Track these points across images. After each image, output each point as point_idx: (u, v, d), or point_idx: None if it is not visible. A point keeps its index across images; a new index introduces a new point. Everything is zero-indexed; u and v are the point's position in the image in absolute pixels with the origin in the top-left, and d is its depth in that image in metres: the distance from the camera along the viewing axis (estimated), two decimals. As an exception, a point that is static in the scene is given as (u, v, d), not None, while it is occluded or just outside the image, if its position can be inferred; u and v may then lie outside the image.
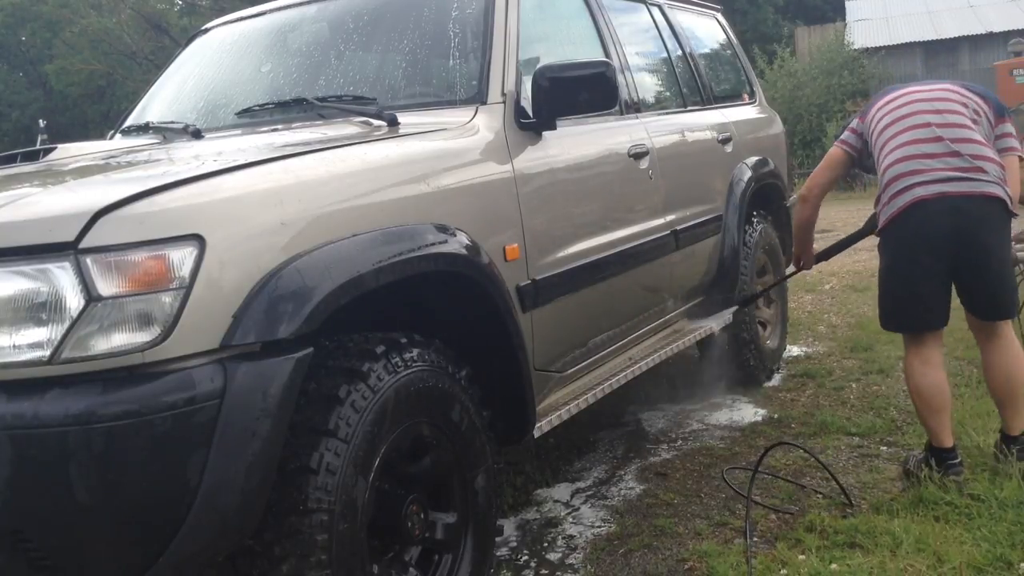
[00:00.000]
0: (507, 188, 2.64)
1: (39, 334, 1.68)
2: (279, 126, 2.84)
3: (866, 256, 8.19)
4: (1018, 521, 2.70)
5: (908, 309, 3.05)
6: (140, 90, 4.07)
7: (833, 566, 2.56)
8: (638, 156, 3.39)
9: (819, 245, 3.96)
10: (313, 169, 2.11)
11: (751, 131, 4.65)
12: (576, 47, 3.52)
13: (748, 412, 4.13)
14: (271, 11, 3.50)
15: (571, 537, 3.00)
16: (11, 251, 1.69)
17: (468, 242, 2.35)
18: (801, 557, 2.65)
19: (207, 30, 3.77)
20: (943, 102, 3.06)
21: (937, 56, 19.74)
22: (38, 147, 2.75)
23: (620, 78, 3.41)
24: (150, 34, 29.83)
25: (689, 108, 4.20)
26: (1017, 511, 2.77)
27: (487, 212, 2.55)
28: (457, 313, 2.48)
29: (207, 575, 1.99)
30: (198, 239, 1.76)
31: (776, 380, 4.61)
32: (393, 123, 2.59)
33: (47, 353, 1.67)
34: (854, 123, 3.35)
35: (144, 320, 1.70)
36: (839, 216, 10.44)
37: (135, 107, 3.59)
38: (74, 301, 1.67)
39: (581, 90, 2.71)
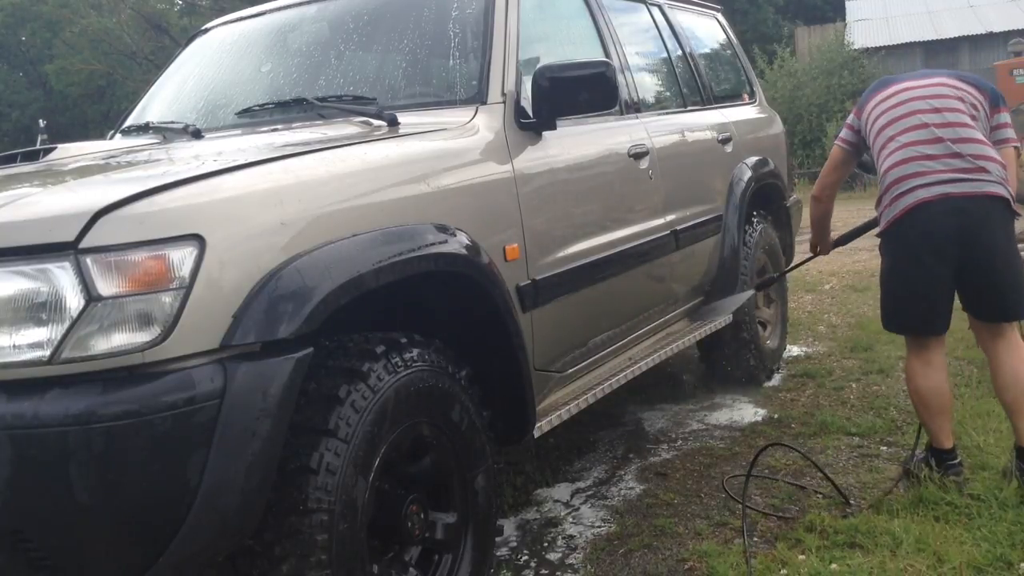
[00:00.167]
0: (507, 188, 2.64)
1: (39, 334, 1.68)
2: (279, 126, 2.84)
3: (866, 256, 8.19)
4: (1018, 521, 2.70)
5: (910, 311, 3.03)
6: (140, 90, 4.08)
7: (833, 566, 2.56)
8: (638, 156, 3.39)
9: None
10: (313, 169, 2.11)
11: (751, 131, 4.65)
12: (576, 47, 3.52)
13: (748, 412, 4.13)
14: (271, 11, 3.50)
15: (571, 537, 3.00)
16: (11, 251, 1.69)
17: (468, 242, 2.35)
18: (801, 557, 2.65)
19: (207, 30, 3.77)
20: (940, 99, 3.01)
21: (937, 56, 19.74)
22: (38, 147, 2.75)
23: (620, 78, 3.41)
24: (150, 34, 29.83)
25: (689, 108, 4.20)
26: (1017, 511, 2.77)
27: (487, 212, 2.55)
28: (457, 313, 2.48)
29: (207, 575, 1.99)
30: (198, 239, 1.76)
31: (776, 380, 4.60)
32: (393, 123, 2.59)
33: (47, 353, 1.67)
34: (851, 119, 3.31)
35: (144, 320, 1.70)
36: (839, 216, 10.38)
37: (135, 107, 3.59)
38: (74, 301, 1.67)
39: (581, 90, 2.70)
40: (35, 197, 1.88)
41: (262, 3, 3.62)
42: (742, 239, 4.27)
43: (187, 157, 2.30)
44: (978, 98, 3.04)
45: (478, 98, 2.76)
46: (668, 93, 4.18)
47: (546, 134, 2.85)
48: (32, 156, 2.59)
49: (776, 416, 4.04)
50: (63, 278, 1.67)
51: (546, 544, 2.97)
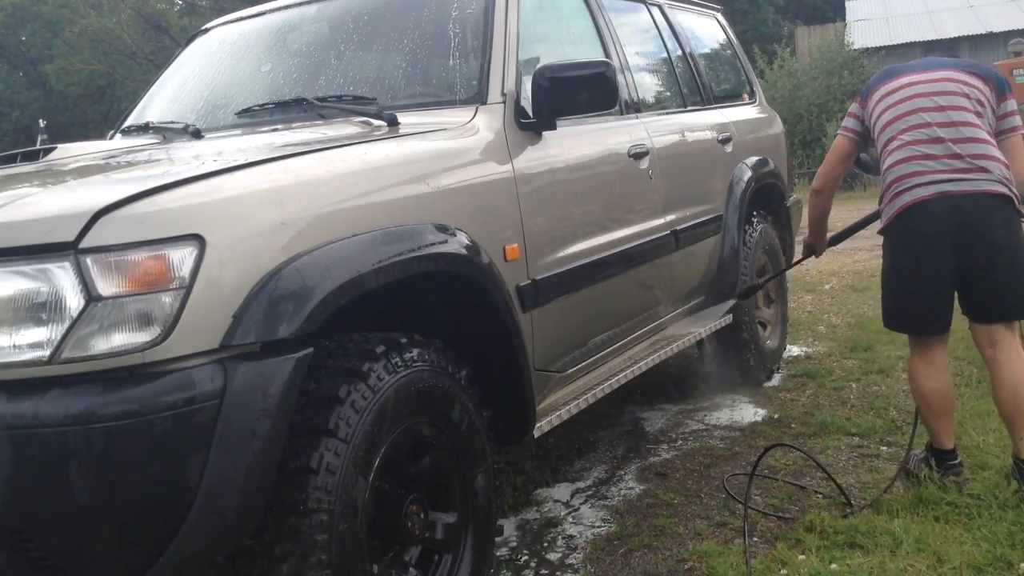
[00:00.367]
0: (507, 188, 2.64)
1: (39, 334, 1.68)
2: (279, 126, 2.84)
3: (866, 256, 8.19)
4: (1018, 521, 2.70)
5: (909, 310, 3.03)
6: (140, 90, 4.08)
7: (833, 566, 2.56)
8: (638, 156, 3.39)
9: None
10: (313, 169, 2.11)
11: (751, 131, 4.65)
12: (576, 47, 3.52)
13: (748, 412, 4.13)
14: (271, 11, 3.50)
15: (571, 537, 3.00)
16: (11, 251, 1.69)
17: (468, 242, 2.35)
18: (801, 557, 2.65)
19: (207, 30, 3.77)
20: (946, 96, 2.97)
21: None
22: (38, 147, 2.75)
23: (620, 78, 3.41)
24: (150, 34, 29.84)
25: (689, 108, 4.20)
26: (1017, 511, 2.77)
27: (487, 212, 2.55)
28: (457, 313, 2.48)
29: (207, 575, 1.99)
30: (198, 239, 1.76)
31: (776, 380, 4.60)
32: (393, 123, 2.59)
33: (47, 353, 1.67)
34: (854, 108, 3.26)
35: (144, 320, 1.70)
36: (839, 216, 10.38)
37: (135, 107, 3.59)
38: (74, 301, 1.67)
39: (581, 90, 2.70)
40: (35, 197, 1.88)
41: (262, 3, 3.62)
42: (742, 239, 4.27)
43: (187, 157, 2.31)
44: (984, 92, 2.99)
45: (478, 98, 2.76)
46: (668, 93, 4.18)
47: (546, 134, 2.85)
48: (32, 156, 2.59)
49: (776, 416, 4.04)
50: (63, 278, 1.67)
51: (546, 544, 2.97)
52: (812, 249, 3.75)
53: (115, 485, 1.66)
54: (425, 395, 2.19)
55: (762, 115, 5.03)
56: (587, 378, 3.17)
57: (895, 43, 20.11)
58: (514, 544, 2.98)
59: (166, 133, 2.97)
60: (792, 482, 3.25)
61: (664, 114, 3.93)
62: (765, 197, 4.65)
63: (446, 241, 2.27)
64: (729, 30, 5.11)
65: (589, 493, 3.35)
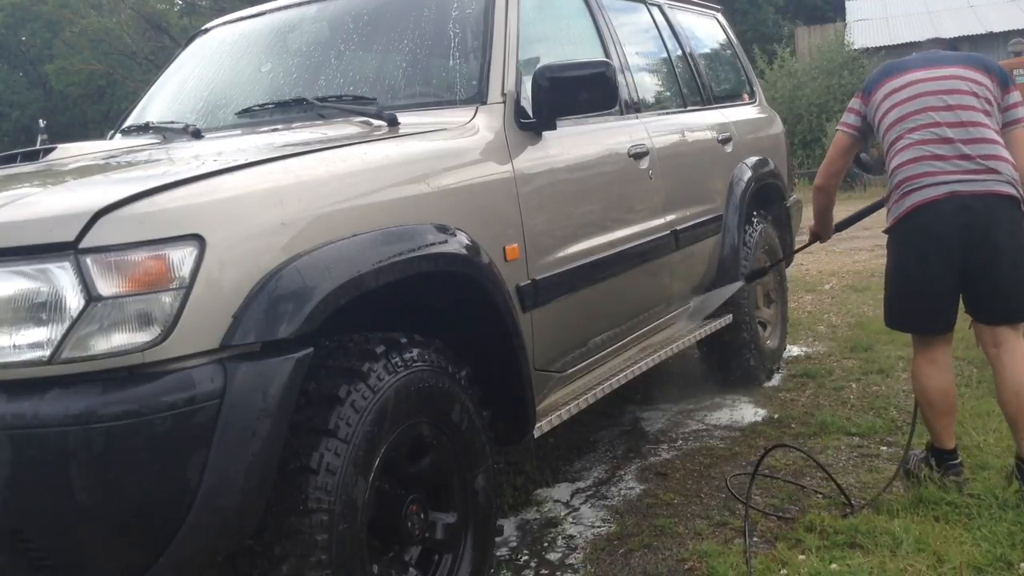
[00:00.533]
0: (507, 188, 2.63)
1: (39, 334, 1.68)
2: (279, 126, 2.84)
3: (866, 256, 8.20)
4: (1018, 521, 2.70)
5: (913, 309, 3.01)
6: (140, 90, 4.08)
7: (833, 566, 2.56)
8: (638, 156, 3.39)
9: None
10: (313, 169, 2.11)
11: (751, 131, 4.65)
12: (576, 47, 3.52)
13: (748, 412, 4.13)
14: (271, 11, 3.50)
15: (571, 537, 3.00)
16: (11, 251, 1.69)
17: (468, 242, 2.35)
18: (801, 557, 2.65)
19: (207, 30, 3.77)
20: (954, 94, 2.94)
21: (937, 56, 19.70)
22: (38, 147, 2.75)
23: (620, 78, 3.41)
24: (150, 34, 29.84)
25: (689, 108, 4.20)
26: (1017, 511, 2.77)
27: (487, 212, 2.55)
28: (457, 313, 2.48)
29: (207, 575, 1.99)
30: (198, 239, 1.76)
31: (776, 380, 4.60)
32: (393, 123, 2.59)
33: (47, 353, 1.67)
34: (855, 104, 3.22)
35: (144, 320, 1.70)
36: (838, 216, 10.41)
37: (135, 107, 3.59)
38: (74, 301, 1.67)
39: (581, 90, 2.70)
40: (35, 197, 1.88)
41: (262, 3, 3.62)
42: (742, 239, 4.27)
43: (187, 157, 2.31)
44: (990, 88, 2.97)
45: (478, 98, 2.76)
46: (668, 93, 4.18)
47: (546, 134, 2.85)
48: (32, 156, 2.59)
49: (776, 416, 4.04)
50: (63, 278, 1.67)
51: (546, 544, 2.97)
52: (818, 236, 3.75)
53: (115, 485, 1.66)
54: (425, 395, 2.19)
55: (762, 115, 5.03)
56: (587, 378, 3.17)
57: (895, 43, 20.09)
58: (514, 544, 2.98)
59: (166, 133, 2.97)
60: (792, 482, 3.25)
61: (664, 114, 3.93)
62: (765, 197, 4.65)
63: (446, 241, 2.27)
64: (729, 30, 5.11)
65: (589, 493, 3.35)
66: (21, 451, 1.64)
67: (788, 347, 5.06)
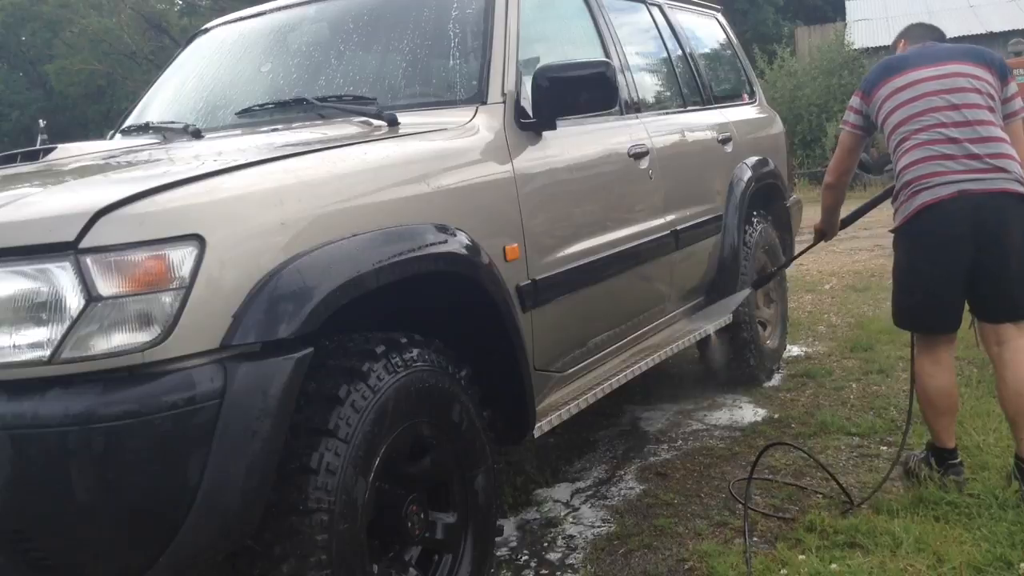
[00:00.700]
0: (507, 188, 2.63)
1: (39, 334, 1.68)
2: (279, 126, 2.84)
3: (866, 256, 8.20)
4: (1018, 521, 2.70)
5: (925, 309, 3.00)
6: (140, 90, 4.07)
7: (833, 566, 2.56)
8: (638, 156, 3.39)
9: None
10: (313, 169, 2.11)
11: (751, 131, 4.64)
12: (576, 47, 3.52)
13: (748, 412, 4.13)
14: (271, 11, 3.50)
15: (571, 537, 3.00)
16: (11, 251, 1.69)
17: (468, 242, 2.35)
18: (801, 557, 2.65)
19: (207, 30, 3.77)
20: (959, 93, 2.93)
21: (937, 56, 19.70)
22: (38, 147, 2.75)
23: (620, 78, 3.41)
24: (150, 34, 29.87)
25: (689, 108, 4.20)
26: (1017, 511, 2.77)
27: (487, 212, 2.55)
28: (457, 313, 2.48)
29: (207, 575, 1.99)
30: (198, 239, 1.76)
31: (776, 380, 4.60)
32: (393, 123, 2.59)
33: (47, 353, 1.67)
34: (856, 103, 3.20)
35: (144, 320, 1.70)
36: (842, 213, 10.42)
37: (135, 107, 3.59)
38: (74, 301, 1.67)
39: (581, 90, 2.70)
40: (35, 197, 1.87)
41: (262, 3, 3.62)
42: (742, 239, 4.27)
43: (187, 157, 2.31)
44: (992, 83, 2.97)
45: (478, 98, 2.76)
46: (668, 93, 4.18)
47: (546, 134, 2.85)
48: (32, 156, 2.58)
49: (776, 416, 4.04)
50: (63, 278, 1.67)
51: (546, 544, 2.97)
52: (823, 234, 3.75)
53: (115, 485, 1.65)
54: (425, 395, 2.19)
55: (762, 115, 5.03)
56: (587, 378, 3.17)
57: (895, 43, 20.09)
58: (514, 544, 2.98)
59: (166, 133, 2.96)
60: (792, 482, 3.25)
61: (664, 114, 3.93)
62: (765, 197, 4.65)
63: (446, 241, 2.27)
64: (729, 30, 5.11)
65: (589, 493, 3.35)
66: (21, 451, 1.64)
67: (788, 347, 5.06)
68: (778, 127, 5.17)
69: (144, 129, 3.19)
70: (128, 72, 29.31)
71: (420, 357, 2.19)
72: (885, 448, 3.53)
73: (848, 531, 2.76)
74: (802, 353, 5.11)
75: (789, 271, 5.05)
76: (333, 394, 1.97)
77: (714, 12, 5.07)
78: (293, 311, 1.83)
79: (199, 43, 3.70)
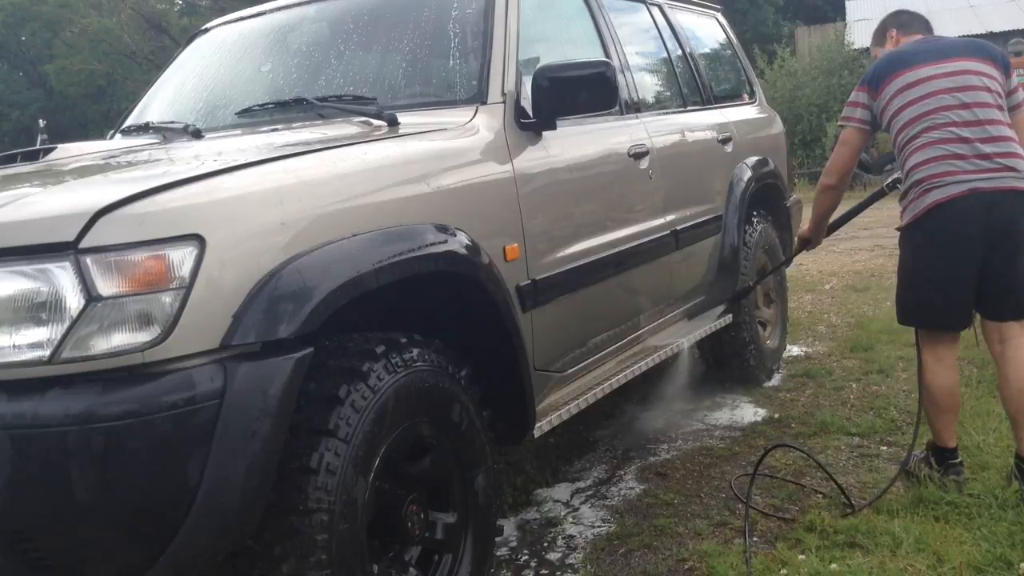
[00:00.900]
0: (507, 188, 2.63)
1: (39, 334, 1.68)
2: (279, 126, 2.84)
3: (866, 256, 8.20)
4: (1018, 521, 2.70)
5: (934, 307, 2.99)
6: (140, 90, 4.07)
7: (833, 566, 2.56)
8: (638, 156, 3.39)
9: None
10: (313, 169, 2.11)
11: (751, 131, 4.65)
12: (576, 47, 3.52)
13: (748, 412, 4.13)
14: (271, 11, 3.50)
15: (571, 537, 3.00)
16: (11, 251, 1.69)
17: (468, 242, 2.35)
18: (801, 557, 2.65)
19: (207, 30, 3.77)
20: (968, 91, 2.91)
21: (937, 56, 19.70)
22: (38, 147, 2.75)
23: (620, 78, 3.41)
24: (150, 34, 29.87)
25: (689, 108, 4.20)
26: (1017, 511, 2.77)
27: (487, 212, 2.55)
28: (457, 313, 2.48)
29: (207, 575, 1.99)
30: (198, 239, 1.76)
31: (776, 380, 4.60)
32: (393, 123, 2.59)
33: (47, 353, 1.67)
34: (862, 97, 3.13)
35: (144, 320, 1.70)
36: (837, 214, 10.42)
37: (135, 107, 3.59)
38: (74, 301, 1.67)
39: (581, 90, 2.70)
40: (35, 197, 1.87)
41: (262, 3, 3.62)
42: (742, 239, 4.27)
43: (187, 157, 2.31)
44: (998, 79, 2.96)
45: (478, 98, 2.76)
46: (668, 93, 4.18)
47: (546, 134, 2.85)
48: (32, 156, 2.59)
49: (776, 416, 4.04)
50: (63, 278, 1.67)
51: (546, 544, 2.97)
52: (808, 241, 3.70)
53: (115, 485, 1.65)
54: (425, 395, 2.19)
55: (762, 115, 5.03)
56: (587, 378, 3.17)
57: (895, 43, 20.08)
58: (514, 544, 2.98)
59: (166, 133, 2.96)
60: (792, 482, 3.25)
61: (664, 114, 3.93)
62: (765, 197, 4.65)
63: (446, 241, 2.27)
64: (729, 30, 5.11)
65: (589, 493, 3.35)
66: (21, 451, 1.64)
67: (788, 347, 5.06)
68: (778, 127, 5.17)
69: (144, 129, 3.19)
70: (128, 72, 29.31)
71: (420, 357, 2.19)
72: (885, 448, 3.53)
73: (848, 531, 2.76)
74: (802, 353, 5.11)
75: (789, 271, 5.06)
76: (333, 394, 1.97)
77: (714, 12, 5.07)
78: (293, 311, 1.83)
79: (199, 43, 3.70)
